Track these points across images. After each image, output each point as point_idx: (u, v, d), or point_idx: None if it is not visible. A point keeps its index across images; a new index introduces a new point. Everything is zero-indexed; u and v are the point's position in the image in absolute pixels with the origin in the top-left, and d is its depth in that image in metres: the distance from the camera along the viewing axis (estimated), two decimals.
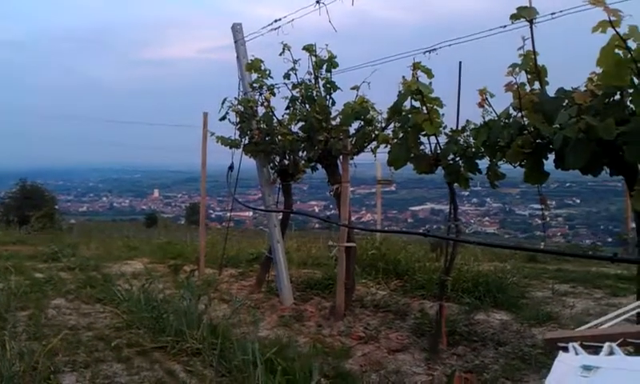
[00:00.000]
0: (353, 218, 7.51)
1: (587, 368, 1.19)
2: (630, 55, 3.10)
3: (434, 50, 4.94)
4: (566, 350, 1.35)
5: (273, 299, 7.29)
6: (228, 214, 9.61)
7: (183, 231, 20.46)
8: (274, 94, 6.85)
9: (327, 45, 6.30)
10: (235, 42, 7.48)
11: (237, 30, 7.51)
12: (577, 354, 1.32)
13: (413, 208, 32.41)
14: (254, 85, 7.02)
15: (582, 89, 3.66)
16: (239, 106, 7.26)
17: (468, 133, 4.82)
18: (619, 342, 1.34)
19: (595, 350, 1.33)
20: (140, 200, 55.08)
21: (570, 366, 1.24)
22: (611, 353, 1.29)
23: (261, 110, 7.14)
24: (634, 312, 1.56)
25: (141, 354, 5.27)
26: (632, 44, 3.07)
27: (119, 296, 6.90)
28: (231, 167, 8.03)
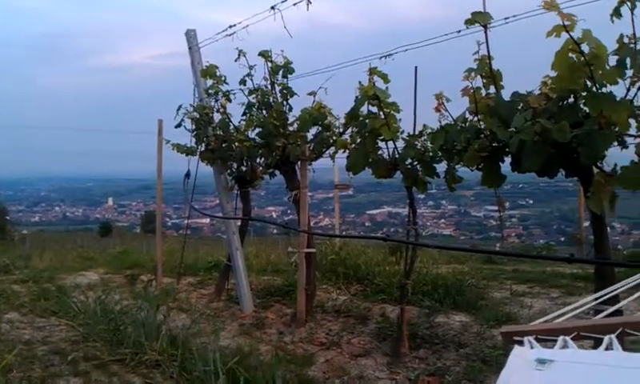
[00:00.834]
0: (311, 223, 7.49)
1: (541, 361, 1.20)
2: (583, 59, 3.16)
3: (390, 55, 4.97)
4: (521, 343, 1.36)
5: (233, 307, 7.21)
6: (185, 222, 9.49)
7: (139, 240, 20.14)
8: (230, 101, 6.79)
9: (283, 50, 6.28)
10: (189, 48, 7.41)
11: (191, 36, 7.43)
12: (532, 347, 1.33)
13: (370, 212, 32.60)
14: (210, 91, 6.95)
15: (537, 92, 3.72)
16: (195, 113, 7.18)
17: (425, 137, 4.86)
18: (573, 335, 1.36)
19: (550, 344, 1.34)
20: (94, 209, 54.02)
21: (524, 360, 1.25)
22: (565, 346, 1.30)
23: (217, 117, 7.07)
24: (587, 307, 1.57)
25: (98, 367, 5.13)
26: (585, 48, 3.13)
27: (75, 308, 6.70)
28: (188, 174, 7.94)
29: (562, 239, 21.02)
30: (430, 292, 7.01)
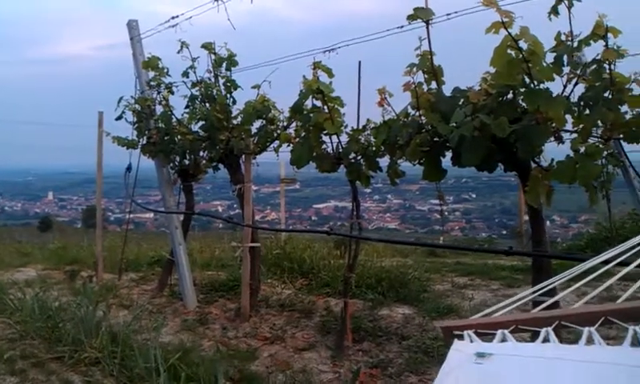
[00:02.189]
0: (257, 217, 7.45)
1: (481, 355, 1.21)
2: (521, 55, 3.22)
3: (334, 49, 4.97)
4: (461, 337, 1.37)
5: (176, 303, 7.11)
6: (127, 216, 9.30)
7: (80, 235, 19.61)
8: (172, 93, 6.68)
9: (226, 43, 6.22)
10: (131, 39, 7.25)
11: (132, 26, 7.28)
12: (471, 341, 1.34)
13: (316, 206, 32.66)
14: (152, 83, 6.82)
15: (477, 88, 3.78)
16: (136, 105, 7.04)
17: (368, 132, 4.89)
18: (511, 329, 1.37)
19: (489, 338, 1.35)
20: (33, 203, 52.33)
21: (464, 353, 1.26)
22: (504, 340, 1.32)
23: (159, 109, 6.95)
24: (526, 300, 1.60)
25: (36, 365, 4.99)
26: (523, 45, 3.19)
27: (12, 305, 6.48)
28: (129, 168, 7.79)
29: (504, 232, 21.50)
30: (373, 285, 7.07)
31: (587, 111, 3.47)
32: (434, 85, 4.01)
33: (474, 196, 29.78)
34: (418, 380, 4.74)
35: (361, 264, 7.31)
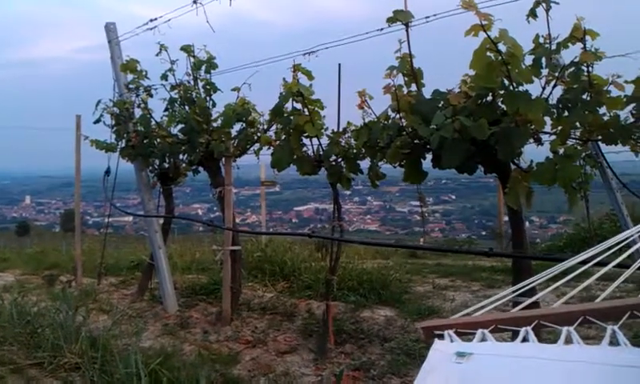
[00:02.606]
0: (238, 220, 7.42)
1: (461, 354, 1.22)
2: (500, 58, 3.24)
3: (313, 52, 4.97)
4: (441, 337, 1.37)
5: (156, 307, 7.05)
6: (105, 220, 9.22)
7: (58, 239, 19.43)
8: (151, 96, 6.63)
9: (205, 45, 6.19)
10: (109, 41, 7.19)
11: (110, 29, 7.22)
12: (452, 341, 1.34)
13: (297, 208, 32.65)
14: (130, 86, 6.77)
15: (457, 90, 3.80)
16: (114, 108, 6.97)
17: (349, 134, 4.90)
18: (491, 328, 1.38)
19: (469, 337, 1.36)
20: (10, 208, 51.66)
21: (444, 353, 1.27)
22: (484, 339, 1.32)
23: (138, 112, 6.90)
24: (506, 300, 1.61)
25: (15, 371, 4.90)
26: (502, 47, 3.21)
27: None
28: (108, 171, 7.72)
29: (484, 233, 21.61)
30: (355, 287, 7.08)
31: (566, 113, 3.50)
32: (414, 87, 4.03)
33: (453, 197, 29.95)
34: (400, 382, 4.75)
35: (342, 266, 7.31)
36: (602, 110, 3.52)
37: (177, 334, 6.10)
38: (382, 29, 4.32)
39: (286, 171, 5.32)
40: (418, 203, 5.48)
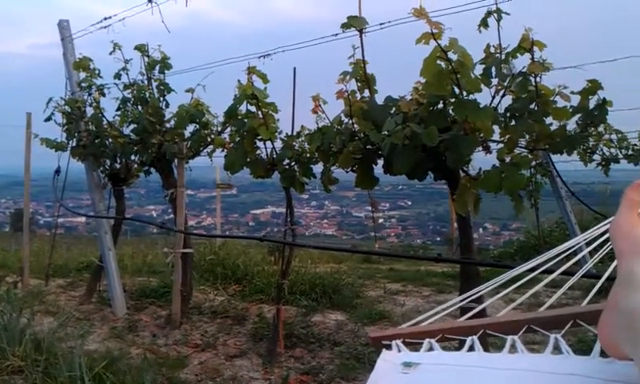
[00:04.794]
0: (193, 223, 7.36)
1: (407, 364, 1.21)
2: (450, 66, 3.28)
3: (268, 55, 4.96)
4: (389, 347, 1.37)
5: (105, 310, 6.92)
6: (55, 220, 9.02)
7: (7, 239, 18.93)
8: (103, 95, 6.52)
9: (160, 45, 6.13)
10: (62, 39, 7.05)
11: (63, 26, 7.08)
12: (399, 351, 1.34)
13: (254, 211, 32.47)
14: (82, 84, 6.64)
15: (409, 97, 3.83)
16: (66, 107, 6.84)
17: (303, 138, 4.89)
18: (438, 337, 1.38)
19: (417, 347, 1.36)
20: None
21: (391, 363, 1.26)
22: (431, 349, 1.33)
23: (90, 111, 6.78)
24: (455, 308, 1.62)
25: None
26: (453, 56, 3.25)
27: None
28: (58, 171, 7.56)
29: (438, 239, 21.84)
30: (307, 291, 7.07)
31: (513, 122, 3.57)
32: (367, 93, 4.05)
33: (409, 203, 30.17)
34: None
35: (295, 270, 7.31)
36: (550, 119, 3.60)
37: (124, 337, 6.00)
38: (336, 34, 4.33)
39: (242, 174, 5.29)
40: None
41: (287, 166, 4.95)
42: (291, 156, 4.87)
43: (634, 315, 0.89)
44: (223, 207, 15.18)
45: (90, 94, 6.64)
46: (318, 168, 4.85)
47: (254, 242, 9.84)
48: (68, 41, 7.05)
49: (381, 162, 4.04)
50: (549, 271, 1.68)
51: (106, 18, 6.46)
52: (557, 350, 1.17)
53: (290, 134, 4.99)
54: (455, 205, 3.63)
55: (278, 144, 4.98)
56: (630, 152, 7.93)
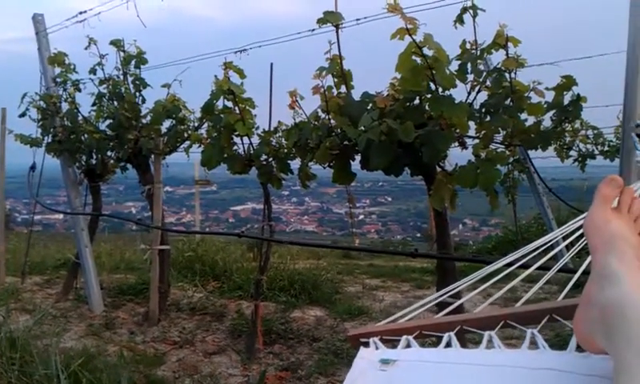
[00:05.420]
0: (172, 219, 7.32)
1: (385, 361, 1.22)
2: (425, 62, 3.28)
3: (245, 50, 4.93)
4: (367, 345, 1.38)
5: (82, 307, 6.86)
6: (31, 217, 8.92)
7: None
8: (79, 90, 6.44)
9: (135, 40, 6.06)
10: (36, 33, 6.94)
11: (38, 21, 6.97)
12: (377, 348, 1.35)
13: (234, 208, 32.35)
14: (57, 80, 6.57)
15: (385, 93, 3.82)
16: (41, 102, 6.76)
17: (280, 134, 4.88)
18: (416, 334, 1.39)
19: (394, 344, 1.37)
20: None
21: (369, 361, 1.27)
22: (408, 345, 1.33)
23: (65, 107, 6.70)
24: (432, 304, 1.63)
25: None
26: (428, 51, 3.25)
27: None
28: (33, 167, 7.48)
29: (418, 235, 21.91)
30: (286, 287, 7.07)
31: (488, 118, 3.58)
32: (343, 89, 4.04)
33: (389, 199, 30.23)
34: (327, 381, 4.76)
35: (274, 266, 7.30)
36: (525, 115, 3.62)
37: (102, 334, 5.95)
38: (313, 29, 4.31)
39: (222, 170, 5.26)
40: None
41: (264, 162, 4.93)
42: (268, 152, 4.85)
43: (607, 310, 0.90)
44: (203, 204, 15.11)
45: (65, 90, 6.57)
46: (295, 164, 4.84)
47: (233, 239, 9.81)
48: (42, 35, 6.95)
49: (358, 157, 4.03)
50: (525, 266, 1.70)
51: (81, 13, 6.38)
52: (534, 344, 1.18)
53: (267, 129, 4.97)
54: (431, 200, 3.63)
55: (255, 140, 4.96)
56: (606, 148, 8.03)
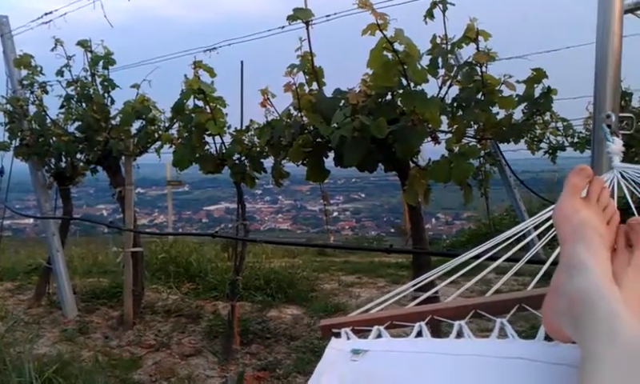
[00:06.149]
0: (145, 221, 7.24)
1: (356, 352, 1.22)
2: (397, 57, 3.28)
3: (214, 48, 4.89)
4: (338, 335, 1.37)
5: (55, 312, 6.75)
6: (1, 223, 8.75)
7: None
8: (46, 92, 6.35)
9: (103, 40, 5.98)
10: (1, 35, 6.81)
11: (3, 22, 6.84)
12: (348, 338, 1.34)
13: (207, 208, 32.16)
14: (24, 82, 6.45)
15: (357, 89, 3.81)
16: (7, 106, 6.63)
17: (252, 132, 4.85)
18: (387, 324, 1.39)
19: (366, 335, 1.37)
20: None
21: (340, 351, 1.26)
22: (379, 335, 1.33)
23: (32, 109, 6.59)
24: (404, 294, 1.63)
25: None
26: (399, 47, 3.24)
27: None
28: (1, 171, 7.34)
29: (392, 230, 21.98)
30: (262, 287, 7.05)
31: (460, 112, 3.60)
32: (315, 86, 4.02)
33: (363, 196, 30.27)
34: (305, 380, 4.75)
35: (249, 266, 7.26)
36: (497, 109, 3.64)
37: (76, 339, 5.86)
38: (283, 27, 4.29)
39: (194, 171, 5.21)
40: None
41: (237, 161, 4.90)
42: (241, 150, 4.82)
43: (575, 299, 0.89)
44: (175, 204, 15.01)
45: (32, 92, 6.47)
46: (268, 162, 4.82)
47: (207, 239, 9.73)
48: (7, 37, 6.82)
49: (331, 154, 4.01)
50: (495, 257, 1.70)
51: (46, 14, 6.28)
52: (504, 334, 1.18)
53: (239, 128, 4.94)
54: (405, 196, 3.63)
55: (227, 139, 4.92)
56: (576, 140, 8.12)
